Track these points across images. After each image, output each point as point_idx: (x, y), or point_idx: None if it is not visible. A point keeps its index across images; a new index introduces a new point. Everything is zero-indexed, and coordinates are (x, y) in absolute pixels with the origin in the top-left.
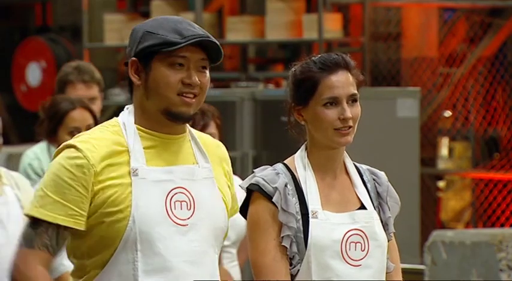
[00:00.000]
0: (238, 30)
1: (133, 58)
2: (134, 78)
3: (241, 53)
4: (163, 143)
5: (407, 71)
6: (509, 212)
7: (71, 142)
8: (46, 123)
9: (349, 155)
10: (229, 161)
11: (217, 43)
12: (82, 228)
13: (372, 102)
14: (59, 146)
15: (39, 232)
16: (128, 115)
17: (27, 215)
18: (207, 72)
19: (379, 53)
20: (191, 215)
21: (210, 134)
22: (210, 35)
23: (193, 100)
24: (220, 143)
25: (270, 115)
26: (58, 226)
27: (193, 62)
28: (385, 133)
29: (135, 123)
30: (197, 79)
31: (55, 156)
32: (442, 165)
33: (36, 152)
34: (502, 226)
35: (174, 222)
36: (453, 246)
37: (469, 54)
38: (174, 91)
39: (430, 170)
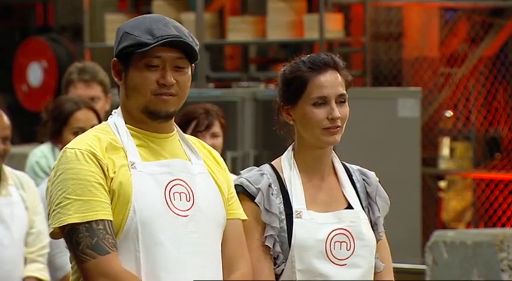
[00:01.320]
0: (240, 30)
1: (115, 59)
2: (116, 79)
3: (242, 53)
4: (154, 142)
5: (408, 71)
6: (511, 212)
7: (70, 146)
8: (50, 124)
9: (349, 155)
10: (221, 159)
11: (189, 42)
12: (112, 220)
13: (373, 102)
14: (63, 146)
15: (101, 236)
16: (117, 117)
17: (66, 226)
18: (186, 70)
19: (380, 53)
20: (191, 207)
21: (215, 134)
22: (182, 35)
23: (170, 97)
24: (207, 145)
25: (271, 115)
26: (110, 222)
27: (169, 62)
28: (386, 133)
29: (125, 123)
30: (172, 79)
31: (57, 164)
32: (443, 165)
33: (43, 151)
34: (503, 226)
35: (175, 213)
36: (454, 246)
37: (470, 54)
38: (150, 91)
39: (431, 170)
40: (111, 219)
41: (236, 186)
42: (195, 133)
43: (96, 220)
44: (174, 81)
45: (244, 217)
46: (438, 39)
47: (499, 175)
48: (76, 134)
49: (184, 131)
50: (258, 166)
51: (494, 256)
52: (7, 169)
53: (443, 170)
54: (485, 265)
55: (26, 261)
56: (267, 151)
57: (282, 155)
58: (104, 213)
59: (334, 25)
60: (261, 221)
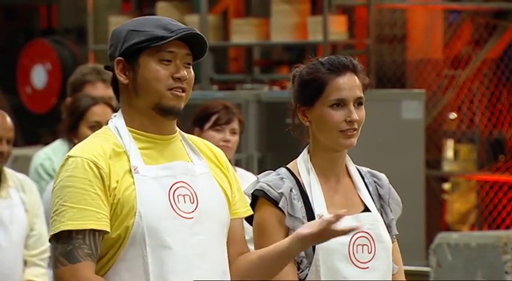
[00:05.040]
0: (244, 33)
1: (119, 58)
2: (121, 78)
3: (246, 55)
4: (156, 144)
5: (412, 73)
6: None
7: (72, 154)
8: (67, 119)
9: (354, 157)
10: (224, 157)
11: (203, 36)
12: (109, 231)
13: (377, 104)
14: (79, 141)
15: (77, 245)
16: (117, 120)
17: (55, 235)
18: (191, 68)
19: (384, 55)
20: (195, 209)
21: (234, 130)
22: (196, 30)
23: (183, 94)
24: (210, 143)
25: (275, 117)
26: (92, 232)
27: (180, 57)
28: (390, 135)
29: (126, 126)
30: (186, 73)
31: (59, 171)
32: (447, 167)
33: (47, 153)
34: (507, 228)
35: (179, 215)
36: (458, 248)
37: (474, 56)
38: (165, 86)
39: (435, 172)
40: (104, 229)
41: (256, 191)
42: (215, 127)
43: (85, 230)
44: (187, 76)
45: (249, 213)
46: (442, 41)
47: (503, 176)
48: (93, 128)
49: (204, 125)
50: (262, 168)
51: (498, 258)
52: (8, 171)
53: (447, 172)
54: (489, 267)
55: (26, 263)
56: (271, 152)
57: (287, 157)
58: (97, 223)
59: (338, 27)
60: (285, 226)
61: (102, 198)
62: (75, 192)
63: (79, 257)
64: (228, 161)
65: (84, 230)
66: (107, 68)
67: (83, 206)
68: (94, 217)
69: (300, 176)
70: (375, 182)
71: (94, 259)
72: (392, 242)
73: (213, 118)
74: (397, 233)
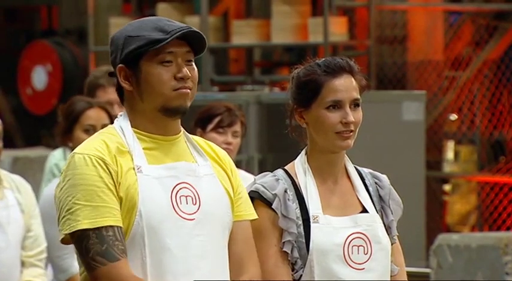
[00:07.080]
0: (244, 34)
1: (120, 65)
2: (125, 85)
3: (246, 57)
4: (160, 144)
5: (413, 74)
6: None
7: (78, 151)
8: (62, 123)
9: (354, 158)
10: (229, 159)
11: (201, 33)
12: (122, 226)
13: (377, 106)
14: (73, 145)
15: (110, 242)
16: (122, 120)
17: (76, 232)
18: (194, 64)
19: (385, 56)
20: (197, 210)
21: (235, 133)
22: (191, 26)
23: (188, 91)
24: (214, 145)
25: (276, 118)
26: (119, 228)
27: (181, 56)
28: (391, 136)
29: (131, 127)
30: (188, 72)
31: (66, 169)
32: (447, 168)
33: (62, 153)
34: (508, 229)
35: (181, 216)
36: (459, 249)
37: (474, 57)
38: (169, 87)
39: (436, 174)
40: (121, 225)
41: (251, 192)
42: (217, 129)
43: (106, 226)
44: (190, 75)
45: (254, 217)
46: (443, 42)
47: (503, 178)
48: (87, 132)
49: (206, 127)
50: (263, 170)
51: (499, 259)
52: (2, 172)
53: (447, 173)
54: (489, 268)
55: (24, 264)
56: (272, 154)
57: (288, 158)
58: (113, 219)
59: (338, 28)
60: (278, 227)
61: (114, 193)
62: (88, 190)
63: (117, 255)
64: (232, 163)
65: (103, 228)
66: (111, 74)
67: (98, 204)
68: (110, 213)
69: (296, 177)
70: (375, 183)
71: (127, 256)
72: (393, 244)
73: (216, 120)
74: (397, 234)
